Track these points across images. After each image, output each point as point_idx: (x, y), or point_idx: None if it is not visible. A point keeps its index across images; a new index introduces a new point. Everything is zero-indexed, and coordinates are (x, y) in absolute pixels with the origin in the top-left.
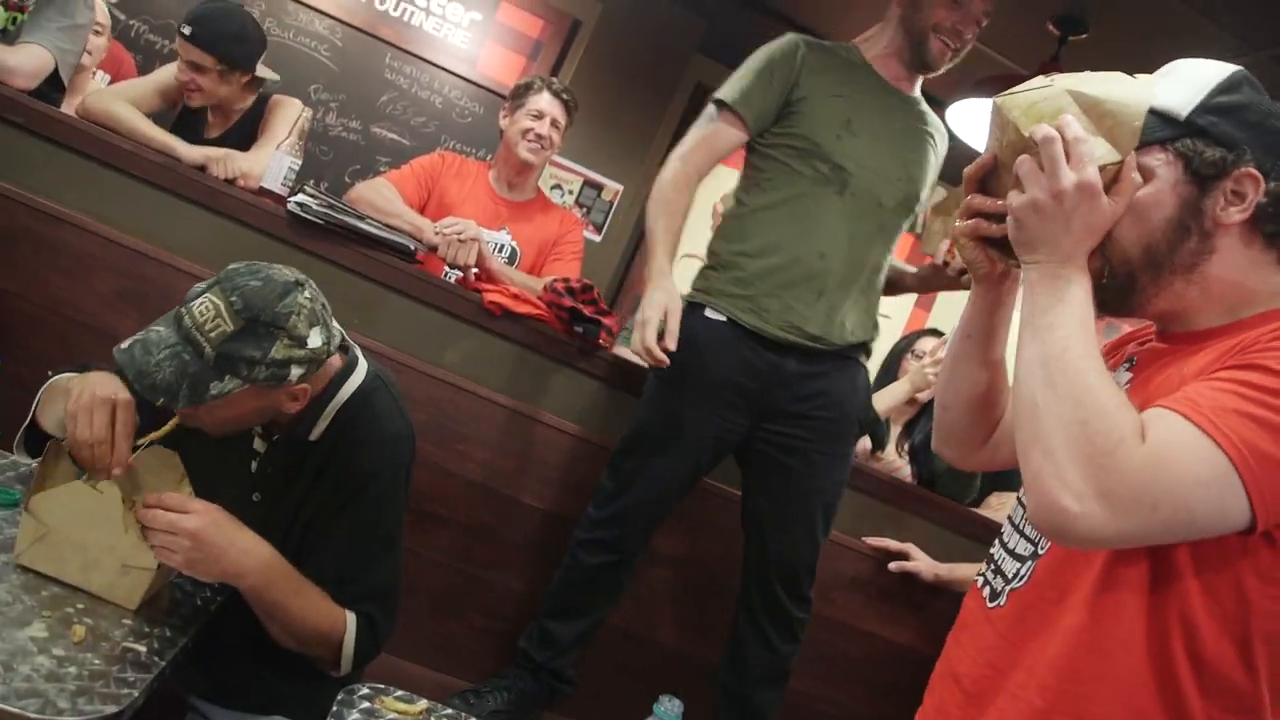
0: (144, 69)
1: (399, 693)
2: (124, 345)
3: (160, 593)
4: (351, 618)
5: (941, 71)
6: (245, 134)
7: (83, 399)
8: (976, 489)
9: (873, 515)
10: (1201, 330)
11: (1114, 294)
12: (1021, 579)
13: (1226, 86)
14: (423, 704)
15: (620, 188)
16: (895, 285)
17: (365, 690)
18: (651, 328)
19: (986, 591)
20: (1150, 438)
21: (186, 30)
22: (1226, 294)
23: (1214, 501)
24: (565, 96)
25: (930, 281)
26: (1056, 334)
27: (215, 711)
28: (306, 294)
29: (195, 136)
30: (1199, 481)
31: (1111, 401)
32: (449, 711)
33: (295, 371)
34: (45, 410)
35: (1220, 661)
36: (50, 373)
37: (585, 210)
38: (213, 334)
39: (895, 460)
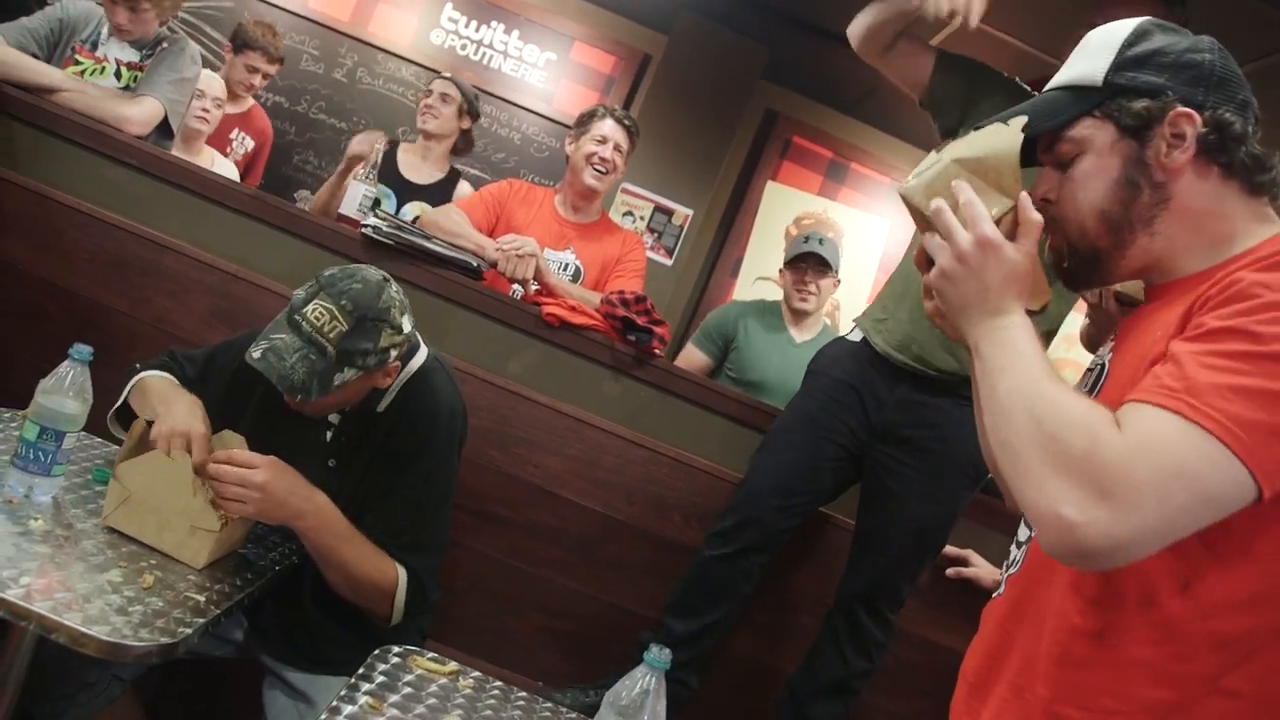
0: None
1: (431, 654)
2: (257, 354)
3: (226, 558)
4: (402, 572)
5: None
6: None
7: (163, 429)
8: None
9: None
10: (1181, 278)
11: (1082, 269)
12: (1016, 564)
13: (1134, 39)
14: (452, 665)
15: (690, 213)
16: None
17: (399, 649)
18: None
19: (995, 586)
20: (1128, 428)
21: (448, 74)
22: (1197, 237)
23: (1220, 474)
24: (627, 122)
25: (1098, 324)
26: (1005, 375)
27: (289, 673)
28: (394, 288)
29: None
30: (1198, 455)
31: (1074, 407)
32: (476, 674)
33: (394, 354)
34: (136, 404)
35: (1233, 629)
36: (137, 365)
37: (657, 235)
38: (331, 335)
39: None
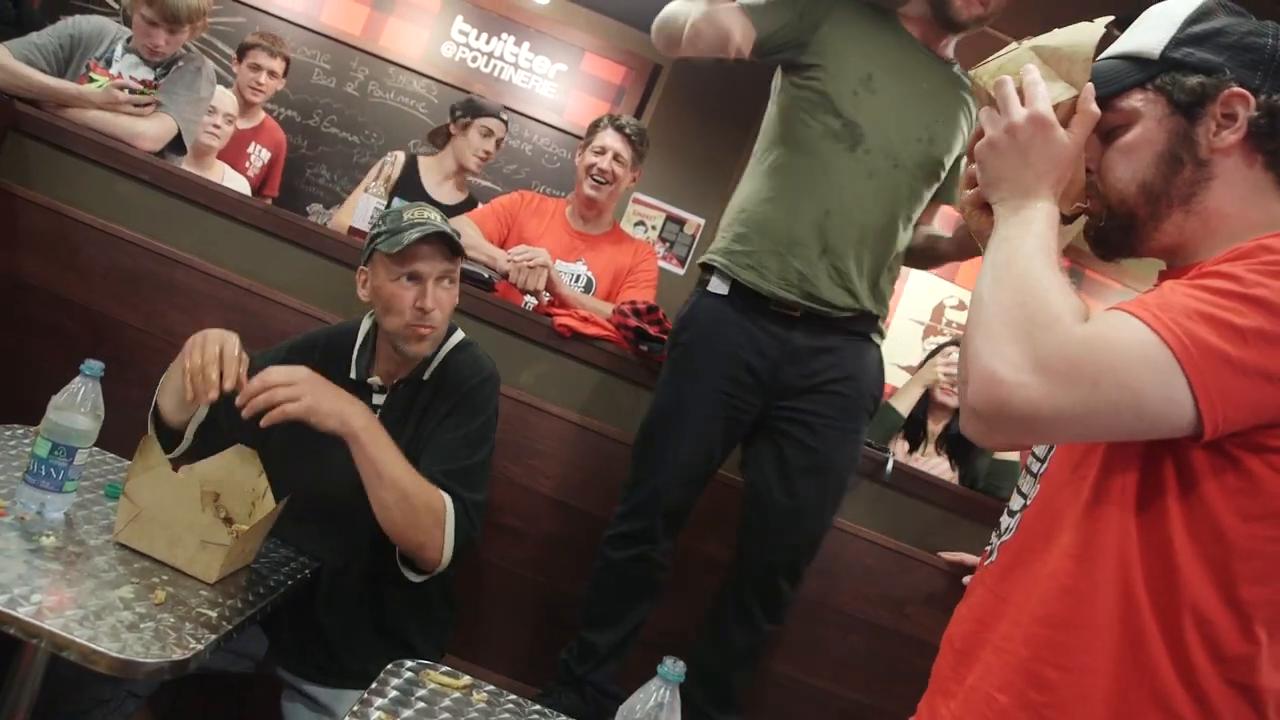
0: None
1: (445, 669)
2: (415, 235)
3: (238, 573)
4: (448, 497)
5: (973, 26)
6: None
7: (197, 337)
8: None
9: (948, 529)
10: (1200, 262)
11: (1116, 233)
12: (1010, 531)
13: (1198, 17)
14: (466, 679)
15: (701, 221)
16: (930, 254)
17: (411, 664)
18: None
19: (986, 555)
20: (1092, 322)
21: (503, 116)
22: (1227, 226)
23: (1159, 385)
24: (629, 131)
25: (966, 245)
26: (1010, 244)
27: (307, 686)
28: None
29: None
30: (1143, 360)
31: (1054, 286)
32: (490, 688)
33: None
34: (164, 390)
35: (1205, 613)
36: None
37: (668, 245)
38: (441, 220)
39: (934, 458)
